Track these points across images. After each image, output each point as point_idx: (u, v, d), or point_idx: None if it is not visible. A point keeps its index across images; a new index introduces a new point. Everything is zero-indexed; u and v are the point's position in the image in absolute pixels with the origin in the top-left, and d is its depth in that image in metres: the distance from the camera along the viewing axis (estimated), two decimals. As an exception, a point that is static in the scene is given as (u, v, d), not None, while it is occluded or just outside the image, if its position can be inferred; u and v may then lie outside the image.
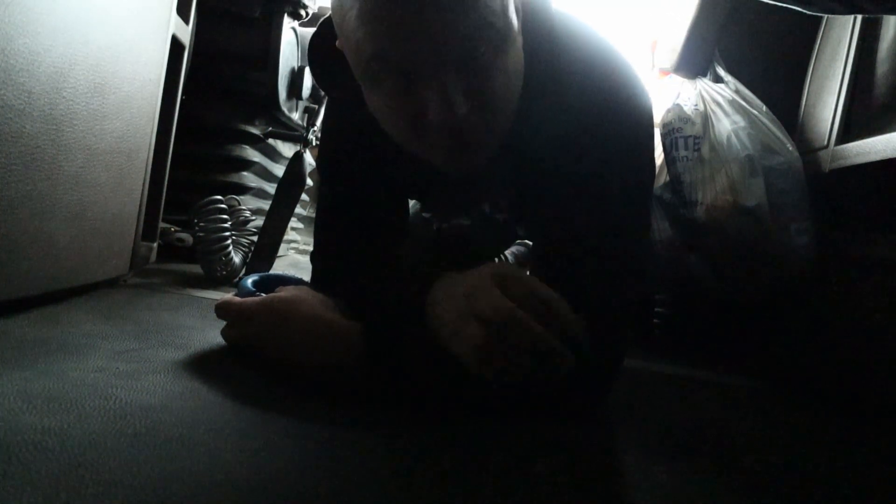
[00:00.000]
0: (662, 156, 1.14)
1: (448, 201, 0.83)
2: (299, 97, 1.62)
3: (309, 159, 1.36)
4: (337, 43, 0.58)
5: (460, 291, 0.53)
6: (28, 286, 0.70)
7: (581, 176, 0.62)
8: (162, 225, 1.15)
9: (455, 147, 0.56)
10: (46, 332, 0.63)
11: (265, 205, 1.57)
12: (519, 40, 0.58)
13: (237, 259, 1.21)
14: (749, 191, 0.98)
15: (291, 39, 1.57)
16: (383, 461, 0.45)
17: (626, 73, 0.64)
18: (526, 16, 0.62)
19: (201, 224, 1.18)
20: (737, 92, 1.07)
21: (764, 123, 1.03)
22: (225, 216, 1.20)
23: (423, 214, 0.92)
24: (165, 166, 1.09)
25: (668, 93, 1.19)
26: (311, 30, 0.70)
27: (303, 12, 1.55)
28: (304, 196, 1.87)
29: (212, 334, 0.71)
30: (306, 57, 0.70)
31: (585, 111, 0.62)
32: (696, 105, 1.08)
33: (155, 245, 1.10)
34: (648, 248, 0.84)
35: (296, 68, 1.60)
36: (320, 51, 0.66)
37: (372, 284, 0.66)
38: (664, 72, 1.24)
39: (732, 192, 0.99)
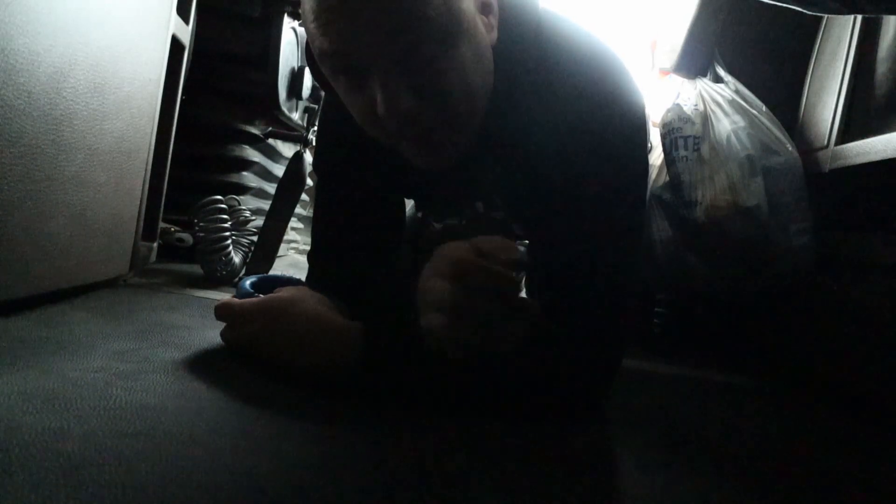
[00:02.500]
0: (662, 156, 1.14)
1: (441, 200, 0.83)
2: (299, 97, 1.62)
3: (309, 159, 1.36)
4: None
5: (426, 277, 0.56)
6: (28, 286, 0.70)
7: (571, 174, 0.61)
8: (162, 225, 1.15)
9: (416, 142, 0.57)
10: (46, 332, 0.63)
11: (265, 205, 1.57)
12: (485, 36, 0.58)
13: (237, 259, 1.22)
14: (749, 191, 0.98)
15: (291, 39, 1.57)
16: (382, 460, 0.45)
17: (615, 70, 0.63)
18: (509, 13, 0.61)
19: (201, 224, 1.18)
20: (737, 92, 1.07)
21: (764, 123, 1.03)
22: (225, 216, 1.20)
23: (419, 214, 0.92)
24: (165, 166, 1.09)
25: (668, 93, 1.19)
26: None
27: (303, 12, 1.55)
28: (304, 196, 1.87)
29: (212, 334, 0.71)
30: (306, 57, 0.70)
31: (574, 109, 0.61)
32: (695, 105, 1.08)
33: (155, 245, 1.10)
34: (643, 247, 0.84)
35: (296, 68, 1.60)
36: None
37: (369, 284, 0.66)
38: (664, 72, 1.24)
39: (732, 192, 0.99)
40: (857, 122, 0.99)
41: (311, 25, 0.53)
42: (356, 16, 0.50)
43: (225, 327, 0.66)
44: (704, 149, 1.04)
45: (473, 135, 0.61)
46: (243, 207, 1.29)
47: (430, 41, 0.52)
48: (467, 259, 0.53)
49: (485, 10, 0.59)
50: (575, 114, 0.61)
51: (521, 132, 0.63)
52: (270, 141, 1.66)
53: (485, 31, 0.58)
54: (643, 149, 0.65)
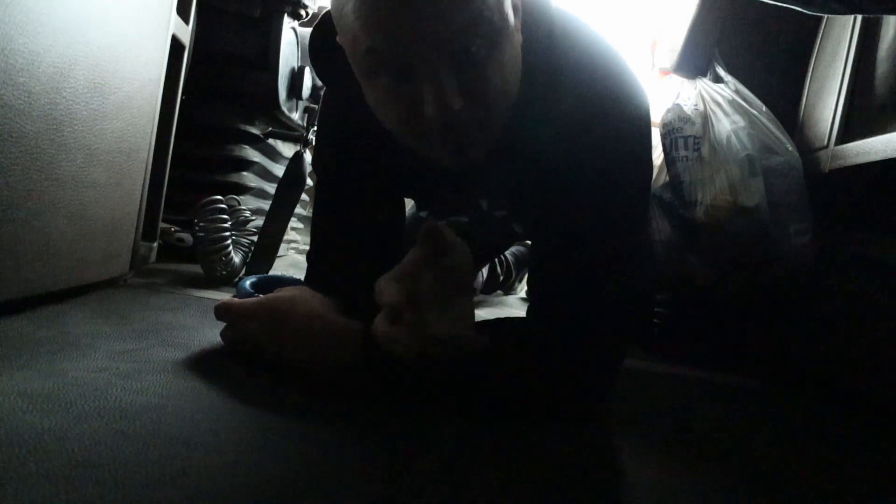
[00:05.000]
0: (662, 156, 1.14)
1: (444, 199, 0.83)
2: (299, 97, 1.62)
3: (309, 159, 1.36)
4: (337, 38, 0.58)
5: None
6: (28, 286, 0.70)
7: (576, 175, 0.62)
8: (162, 225, 1.15)
9: (449, 141, 0.56)
10: (46, 332, 0.64)
11: (265, 205, 1.57)
12: (516, 37, 0.58)
13: (237, 259, 1.21)
14: (749, 191, 0.98)
15: (291, 39, 1.57)
16: (382, 460, 0.45)
17: (623, 73, 0.64)
18: (525, 14, 0.62)
19: (201, 224, 1.18)
20: (737, 92, 1.07)
21: (764, 123, 1.03)
22: (225, 216, 1.20)
23: (420, 214, 0.92)
24: (165, 166, 1.09)
25: (668, 93, 1.19)
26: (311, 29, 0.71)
27: (303, 12, 1.55)
28: (304, 196, 1.87)
29: (212, 334, 0.71)
30: (306, 57, 0.70)
31: (581, 110, 0.62)
32: (695, 105, 1.08)
33: (155, 245, 1.10)
34: (645, 248, 0.84)
35: (296, 68, 1.60)
36: (321, 44, 0.66)
37: (369, 284, 0.66)
38: (664, 72, 1.24)
39: (732, 192, 0.99)
40: (857, 122, 0.99)
41: (357, 22, 0.51)
42: (414, 14, 0.49)
43: (225, 327, 0.66)
44: (704, 149, 1.04)
45: (498, 134, 0.61)
46: (243, 207, 1.29)
47: (482, 41, 0.52)
48: (413, 260, 0.57)
49: (514, 12, 0.59)
50: (581, 115, 0.61)
51: (530, 132, 0.64)
52: (270, 141, 1.66)
53: (517, 34, 0.58)
54: (648, 151, 0.65)
